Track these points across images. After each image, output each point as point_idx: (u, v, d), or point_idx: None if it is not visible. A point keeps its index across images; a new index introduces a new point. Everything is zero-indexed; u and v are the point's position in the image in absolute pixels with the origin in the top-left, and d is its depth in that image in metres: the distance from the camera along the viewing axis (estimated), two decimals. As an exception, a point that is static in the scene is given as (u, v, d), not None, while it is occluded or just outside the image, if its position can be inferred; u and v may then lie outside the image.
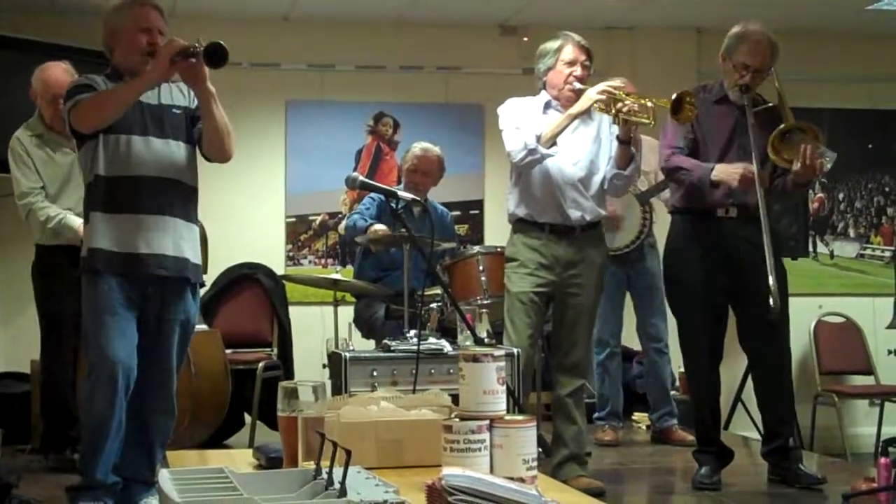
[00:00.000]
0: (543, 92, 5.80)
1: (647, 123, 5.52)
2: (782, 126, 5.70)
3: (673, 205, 6.11)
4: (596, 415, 7.55)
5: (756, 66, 5.78)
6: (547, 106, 5.77)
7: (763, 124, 5.74)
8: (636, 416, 8.15)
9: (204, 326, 7.18)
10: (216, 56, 4.50)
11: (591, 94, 5.52)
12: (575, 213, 5.68)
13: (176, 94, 4.84)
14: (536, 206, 5.69)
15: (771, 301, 5.45)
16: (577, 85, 5.68)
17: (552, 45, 5.76)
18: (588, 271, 5.74)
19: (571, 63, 5.70)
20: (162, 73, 4.57)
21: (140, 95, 4.64)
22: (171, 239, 4.73)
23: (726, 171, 5.70)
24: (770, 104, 5.89)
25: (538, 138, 5.58)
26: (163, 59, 4.53)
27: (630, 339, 7.94)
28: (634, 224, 7.34)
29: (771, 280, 5.44)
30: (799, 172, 5.64)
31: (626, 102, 5.45)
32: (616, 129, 5.65)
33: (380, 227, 6.72)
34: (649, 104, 5.47)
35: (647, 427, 8.03)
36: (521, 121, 5.67)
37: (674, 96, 5.43)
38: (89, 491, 4.72)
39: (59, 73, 6.21)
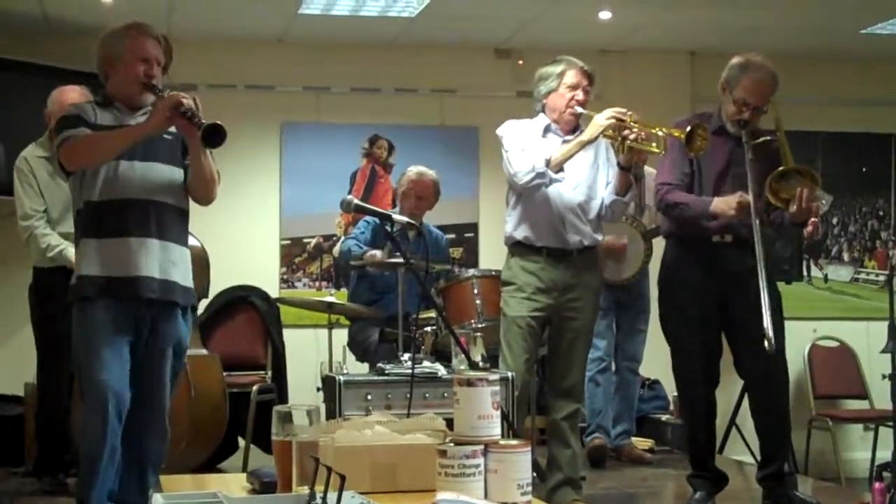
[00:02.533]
0: (542, 115, 5.80)
1: (656, 152, 5.52)
2: (780, 169, 5.68)
3: (668, 230, 6.10)
4: (587, 431, 7.56)
5: (756, 104, 5.75)
6: (547, 129, 5.76)
7: (760, 157, 5.73)
8: (634, 440, 8.14)
9: (203, 351, 7.17)
10: (215, 137, 4.51)
11: (600, 121, 5.50)
12: (574, 238, 5.68)
13: None
14: (535, 229, 5.68)
15: (766, 343, 5.44)
16: (579, 109, 5.69)
17: (554, 68, 5.75)
18: (585, 295, 5.74)
19: (574, 87, 5.70)
20: (158, 125, 4.58)
21: (133, 143, 4.63)
22: (158, 262, 4.70)
23: (724, 202, 5.69)
24: (767, 138, 5.86)
25: (547, 162, 5.58)
26: (161, 112, 4.54)
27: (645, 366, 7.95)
28: (637, 258, 7.42)
29: (766, 320, 5.40)
30: (795, 214, 5.65)
31: (634, 130, 5.45)
32: (614, 155, 5.66)
33: (376, 254, 6.72)
34: (660, 133, 5.47)
35: (643, 451, 8.03)
36: (524, 143, 5.67)
37: (688, 128, 5.44)
38: None
39: (76, 97, 6.22)
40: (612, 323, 7.64)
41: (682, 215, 5.80)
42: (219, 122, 4.50)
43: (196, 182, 4.77)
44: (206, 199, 4.85)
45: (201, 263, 7.03)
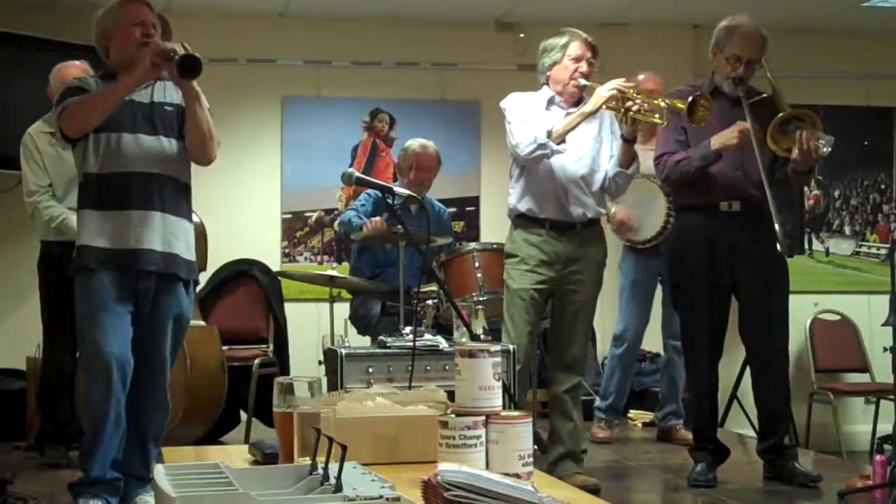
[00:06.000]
0: (545, 87, 5.80)
1: (659, 123, 5.55)
2: (780, 116, 5.72)
3: (677, 202, 6.12)
4: (597, 404, 7.54)
5: (748, 56, 5.83)
6: (550, 102, 5.76)
7: (759, 115, 5.75)
8: (632, 413, 8.15)
9: (201, 322, 7.17)
10: (188, 67, 4.56)
11: (602, 93, 5.50)
12: (577, 210, 5.68)
13: (170, 92, 4.85)
14: (538, 202, 5.68)
15: (778, 246, 5.69)
16: (582, 81, 5.69)
17: (558, 40, 5.75)
18: (588, 268, 5.74)
19: (577, 59, 5.70)
20: (143, 74, 4.63)
21: (123, 97, 4.66)
22: (160, 234, 4.73)
23: (723, 135, 5.73)
24: (764, 95, 5.91)
25: (549, 133, 5.58)
26: (142, 61, 4.58)
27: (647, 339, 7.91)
28: (658, 215, 7.16)
29: (777, 227, 5.55)
30: (797, 160, 5.67)
31: (637, 101, 5.45)
32: (618, 127, 5.66)
33: (377, 219, 6.71)
34: (662, 104, 5.48)
35: (644, 424, 8.04)
36: (527, 115, 5.67)
37: (689, 98, 5.48)
38: (90, 487, 4.71)
39: (77, 72, 6.22)
40: (650, 301, 7.43)
41: (687, 170, 5.81)
42: (196, 53, 4.56)
43: (193, 137, 4.78)
44: (204, 156, 4.85)
45: (198, 238, 7.03)
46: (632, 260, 7.37)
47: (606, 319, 8.59)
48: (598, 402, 7.58)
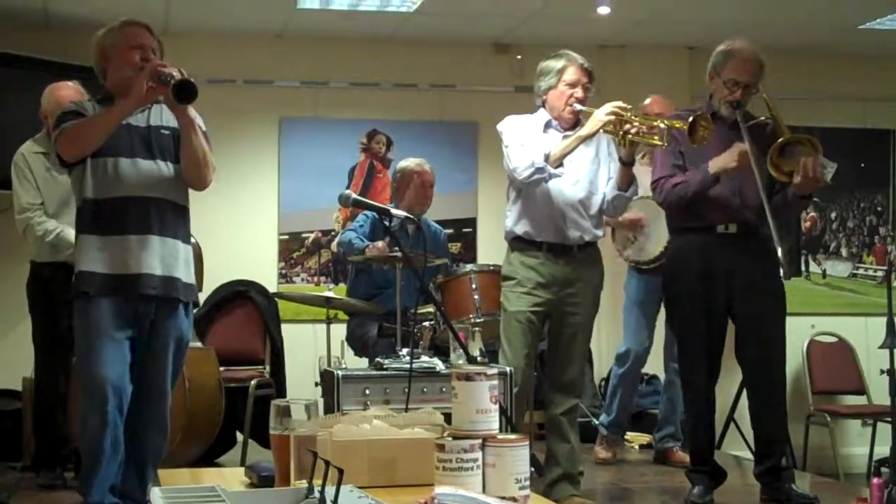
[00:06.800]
0: (542, 110, 5.79)
1: (658, 144, 5.54)
2: (780, 140, 5.71)
3: (673, 224, 6.12)
4: (600, 420, 7.54)
5: (746, 81, 5.82)
6: (547, 125, 5.76)
7: (757, 139, 5.75)
8: (629, 435, 8.14)
9: (199, 344, 7.17)
10: (183, 93, 4.56)
11: (600, 116, 5.48)
12: (574, 234, 5.67)
13: (166, 116, 4.85)
14: (535, 224, 5.67)
15: (781, 271, 5.71)
16: (578, 106, 5.68)
17: (555, 64, 5.74)
18: (585, 290, 5.73)
19: (573, 84, 5.69)
20: (139, 98, 4.62)
21: (120, 121, 4.65)
22: (159, 258, 4.73)
23: (722, 159, 5.72)
24: (762, 118, 5.90)
25: (546, 157, 5.58)
26: (139, 84, 4.57)
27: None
28: (662, 234, 6.97)
29: (779, 250, 5.57)
30: (800, 185, 5.66)
31: (635, 124, 5.45)
32: (615, 150, 5.66)
33: (379, 244, 6.71)
34: (661, 125, 5.48)
35: (640, 446, 8.02)
36: (524, 138, 5.67)
37: (690, 119, 5.46)
38: None
39: (71, 92, 6.22)
40: (649, 320, 7.36)
41: (684, 193, 5.81)
42: (191, 79, 4.56)
43: (187, 163, 4.78)
44: (199, 182, 4.85)
45: (195, 258, 7.03)
46: (636, 280, 7.36)
47: (604, 341, 8.60)
48: (601, 419, 7.58)
